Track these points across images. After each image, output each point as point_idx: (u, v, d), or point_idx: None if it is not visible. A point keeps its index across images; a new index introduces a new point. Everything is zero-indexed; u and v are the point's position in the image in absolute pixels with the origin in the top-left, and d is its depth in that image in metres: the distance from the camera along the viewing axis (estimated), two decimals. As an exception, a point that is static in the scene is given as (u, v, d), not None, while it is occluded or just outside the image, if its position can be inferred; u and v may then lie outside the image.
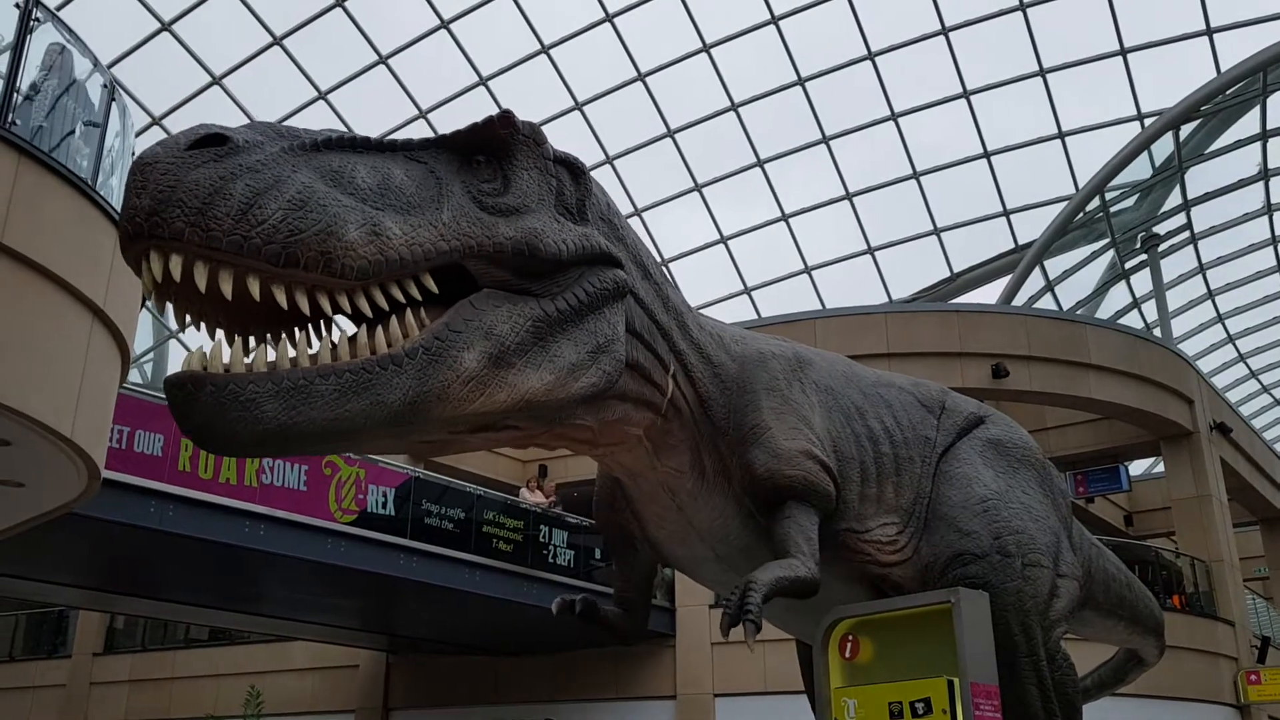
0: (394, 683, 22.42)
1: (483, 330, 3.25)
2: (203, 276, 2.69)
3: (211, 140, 2.75)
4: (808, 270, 33.00)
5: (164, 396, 2.80)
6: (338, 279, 2.84)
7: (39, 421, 7.37)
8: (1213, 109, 28.07)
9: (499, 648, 21.02)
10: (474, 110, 28.97)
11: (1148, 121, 28.08)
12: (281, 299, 2.79)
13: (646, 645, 19.82)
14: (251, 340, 2.99)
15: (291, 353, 2.93)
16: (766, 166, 31.10)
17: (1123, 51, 27.27)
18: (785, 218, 32.09)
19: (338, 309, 2.95)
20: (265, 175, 2.75)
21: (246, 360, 2.85)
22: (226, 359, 2.82)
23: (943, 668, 4.49)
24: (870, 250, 32.37)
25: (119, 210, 8.47)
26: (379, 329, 3.05)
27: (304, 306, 2.84)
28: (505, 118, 3.44)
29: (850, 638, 4.86)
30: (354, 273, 2.85)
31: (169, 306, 2.86)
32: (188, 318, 2.87)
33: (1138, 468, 29.57)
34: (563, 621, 4.99)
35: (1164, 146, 28.48)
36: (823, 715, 4.81)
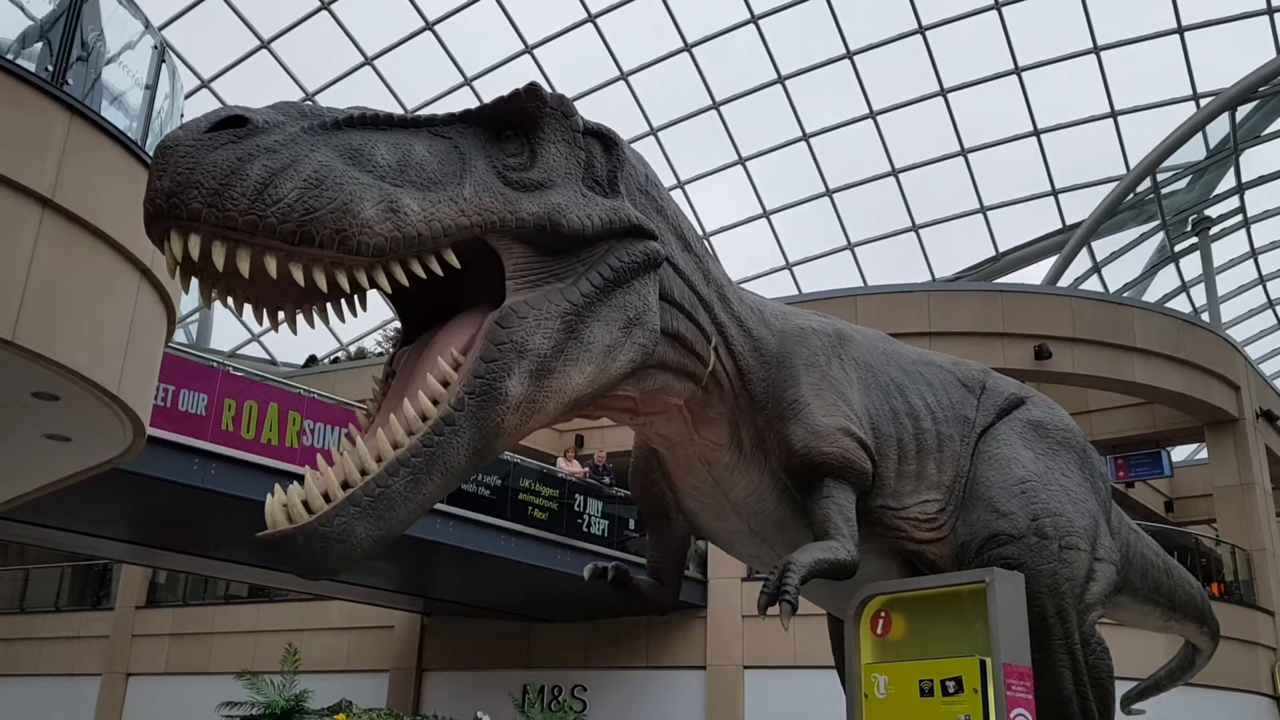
0: (428, 644, 22.72)
1: (516, 350, 3.23)
2: (220, 255, 2.72)
3: (232, 122, 2.77)
4: (850, 247, 32.76)
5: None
6: (354, 256, 2.84)
7: (86, 378, 7.47)
8: (1270, 90, 27.44)
9: (532, 613, 21.21)
10: (519, 79, 28.88)
11: (1203, 102, 27.51)
12: (299, 276, 2.81)
13: (678, 616, 19.92)
14: (281, 314, 3.02)
15: (353, 449, 3.01)
16: (811, 141, 30.84)
17: (1180, 30, 26.70)
18: (829, 193, 31.83)
19: (356, 286, 2.97)
20: (283, 155, 2.76)
21: (317, 479, 2.91)
22: (301, 494, 2.88)
23: (975, 647, 4.47)
24: (914, 227, 32.07)
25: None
26: (419, 394, 3.07)
27: (321, 284, 2.86)
28: (531, 90, 3.40)
29: (883, 614, 4.85)
30: (370, 249, 2.85)
31: (194, 283, 2.88)
32: (214, 293, 2.90)
33: (1180, 453, 29.16)
34: (595, 589, 5.00)
35: (1219, 128, 27.91)
36: (853, 690, 4.82)
